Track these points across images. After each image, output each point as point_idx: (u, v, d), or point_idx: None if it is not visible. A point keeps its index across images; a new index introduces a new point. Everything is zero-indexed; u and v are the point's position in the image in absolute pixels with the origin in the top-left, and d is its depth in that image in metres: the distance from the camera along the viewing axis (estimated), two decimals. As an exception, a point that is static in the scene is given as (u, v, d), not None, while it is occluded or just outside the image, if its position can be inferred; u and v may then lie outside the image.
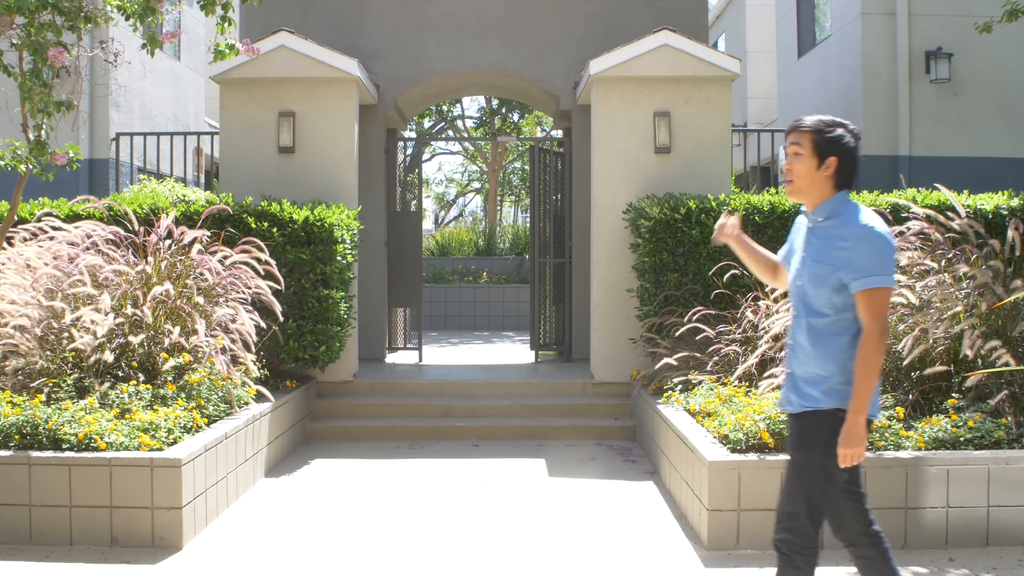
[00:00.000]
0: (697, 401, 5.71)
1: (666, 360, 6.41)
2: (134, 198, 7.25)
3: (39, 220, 6.34)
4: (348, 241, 7.25)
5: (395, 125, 9.77)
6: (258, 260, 6.21)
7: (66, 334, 5.42)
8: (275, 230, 6.86)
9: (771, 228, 6.79)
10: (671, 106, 7.74)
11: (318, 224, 6.90)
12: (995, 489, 4.58)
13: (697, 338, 6.46)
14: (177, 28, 13.37)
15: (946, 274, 5.53)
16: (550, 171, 9.54)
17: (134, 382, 5.37)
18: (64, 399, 5.14)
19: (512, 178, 28.58)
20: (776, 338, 5.66)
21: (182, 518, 4.61)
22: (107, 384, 5.28)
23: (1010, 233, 5.68)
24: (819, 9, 13.59)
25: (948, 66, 11.33)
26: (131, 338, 5.54)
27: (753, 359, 5.77)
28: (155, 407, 5.19)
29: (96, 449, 4.67)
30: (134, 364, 5.59)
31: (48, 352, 5.42)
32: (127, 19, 5.46)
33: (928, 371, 5.24)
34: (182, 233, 6.10)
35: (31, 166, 5.52)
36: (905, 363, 5.28)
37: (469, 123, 23.21)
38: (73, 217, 6.83)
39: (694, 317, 6.45)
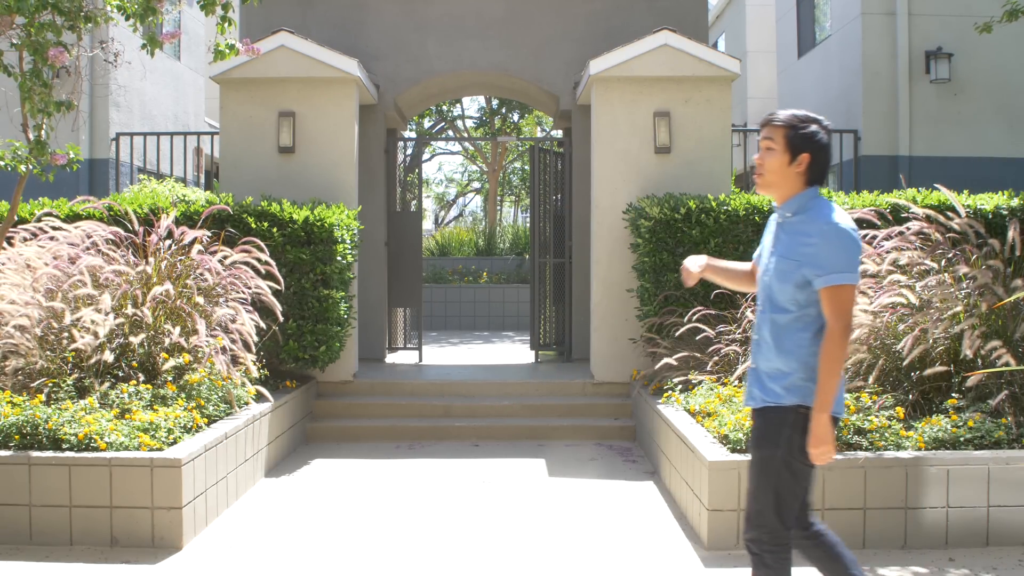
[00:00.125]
0: (697, 401, 5.71)
1: (666, 360, 6.42)
2: (134, 198, 7.24)
3: (39, 220, 6.34)
4: (348, 241, 7.25)
5: (395, 125, 9.77)
6: (258, 260, 6.21)
7: (66, 334, 5.42)
8: (275, 230, 6.86)
9: (771, 228, 6.79)
10: (671, 106, 7.74)
11: (318, 224, 6.90)
12: (995, 489, 4.59)
13: (697, 338, 6.47)
14: (177, 28, 13.37)
15: (946, 274, 5.53)
16: (550, 171, 9.54)
17: (134, 382, 5.37)
18: (64, 399, 5.14)
19: (512, 178, 28.57)
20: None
21: (182, 518, 4.61)
22: (107, 384, 5.28)
23: (1010, 233, 5.68)
24: (819, 9, 13.59)
25: (948, 66, 11.33)
26: (131, 338, 5.54)
27: (753, 359, 5.77)
28: (155, 407, 5.19)
29: (96, 449, 4.67)
30: (134, 364, 5.59)
31: (48, 352, 5.42)
32: (127, 19, 5.45)
33: (928, 371, 5.24)
34: (182, 233, 6.10)
35: (31, 166, 5.52)
36: (905, 363, 5.28)
37: (469, 123, 23.21)
38: (73, 217, 6.82)
39: (694, 317, 6.45)
